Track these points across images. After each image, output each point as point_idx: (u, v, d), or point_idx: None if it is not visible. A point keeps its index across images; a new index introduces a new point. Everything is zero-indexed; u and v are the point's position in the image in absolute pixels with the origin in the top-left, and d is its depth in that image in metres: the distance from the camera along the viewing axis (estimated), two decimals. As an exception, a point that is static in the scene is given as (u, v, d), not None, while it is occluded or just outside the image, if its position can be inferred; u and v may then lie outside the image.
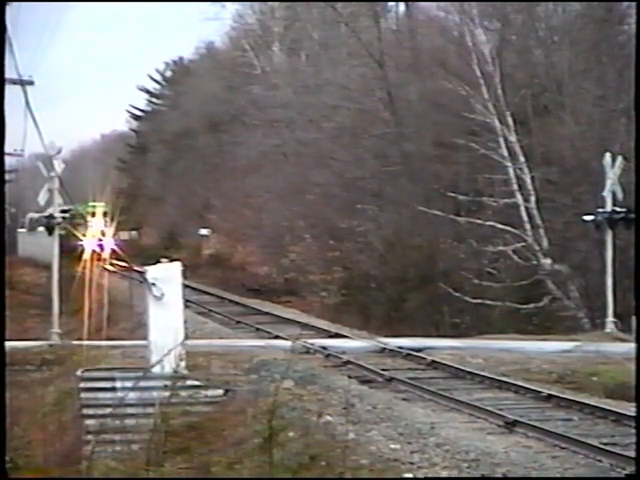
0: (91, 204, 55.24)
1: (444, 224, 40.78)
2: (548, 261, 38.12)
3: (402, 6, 53.16)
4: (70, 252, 34.80)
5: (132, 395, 16.47)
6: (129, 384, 17.04)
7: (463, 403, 19.09)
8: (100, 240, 30.37)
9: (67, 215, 30.20)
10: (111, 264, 25.66)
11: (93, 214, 52.30)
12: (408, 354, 25.90)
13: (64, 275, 30.86)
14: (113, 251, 26.64)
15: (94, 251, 28.32)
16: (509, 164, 39.17)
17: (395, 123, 46.43)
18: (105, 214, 52.40)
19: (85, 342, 25.78)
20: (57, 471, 14.77)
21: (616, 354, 24.48)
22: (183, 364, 15.64)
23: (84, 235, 29.54)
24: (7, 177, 31.87)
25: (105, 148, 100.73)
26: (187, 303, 26.76)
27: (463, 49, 41.14)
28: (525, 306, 37.43)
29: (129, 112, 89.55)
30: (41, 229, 40.70)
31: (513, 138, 39.29)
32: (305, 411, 16.83)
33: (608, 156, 30.95)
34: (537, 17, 42.86)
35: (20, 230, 71.37)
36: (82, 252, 29.15)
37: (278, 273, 51.94)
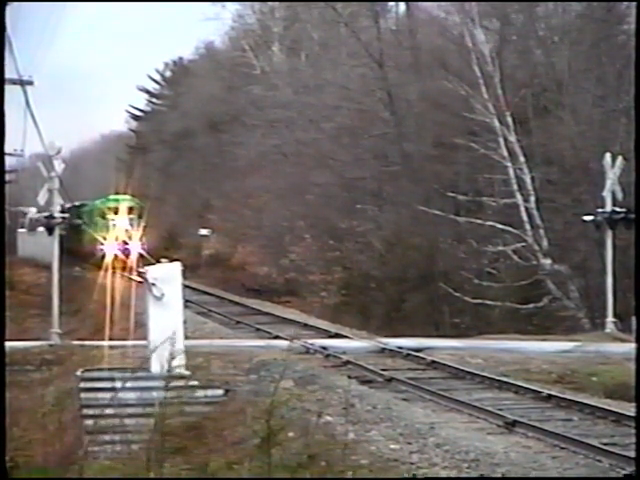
0: (113, 197, 50.28)
1: (444, 224, 40.77)
2: (548, 261, 38.10)
3: (402, 6, 53.20)
4: (88, 257, 32.04)
5: (131, 395, 16.45)
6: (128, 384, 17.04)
7: (463, 403, 19.08)
8: (125, 243, 27.97)
9: (80, 212, 28.82)
10: (138, 274, 21.89)
11: (116, 210, 46.97)
12: (408, 354, 25.89)
13: (64, 275, 30.82)
14: (141, 256, 24.71)
15: (117, 256, 26.25)
16: (509, 164, 39.17)
17: (395, 123, 46.41)
18: (131, 210, 47.21)
19: (85, 342, 25.80)
20: (57, 471, 14.76)
21: (616, 354, 24.48)
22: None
23: (104, 237, 27.59)
24: (7, 177, 31.74)
25: (105, 148, 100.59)
26: (187, 303, 26.72)
27: (463, 49, 41.11)
28: (525, 306, 37.42)
29: (129, 112, 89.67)
30: (41, 229, 40.20)
31: (513, 138, 39.28)
32: (305, 411, 16.82)
33: (608, 156, 30.95)
34: (537, 17, 42.86)
35: (20, 230, 71.16)
36: (103, 258, 26.80)
37: (278, 273, 51.88)
